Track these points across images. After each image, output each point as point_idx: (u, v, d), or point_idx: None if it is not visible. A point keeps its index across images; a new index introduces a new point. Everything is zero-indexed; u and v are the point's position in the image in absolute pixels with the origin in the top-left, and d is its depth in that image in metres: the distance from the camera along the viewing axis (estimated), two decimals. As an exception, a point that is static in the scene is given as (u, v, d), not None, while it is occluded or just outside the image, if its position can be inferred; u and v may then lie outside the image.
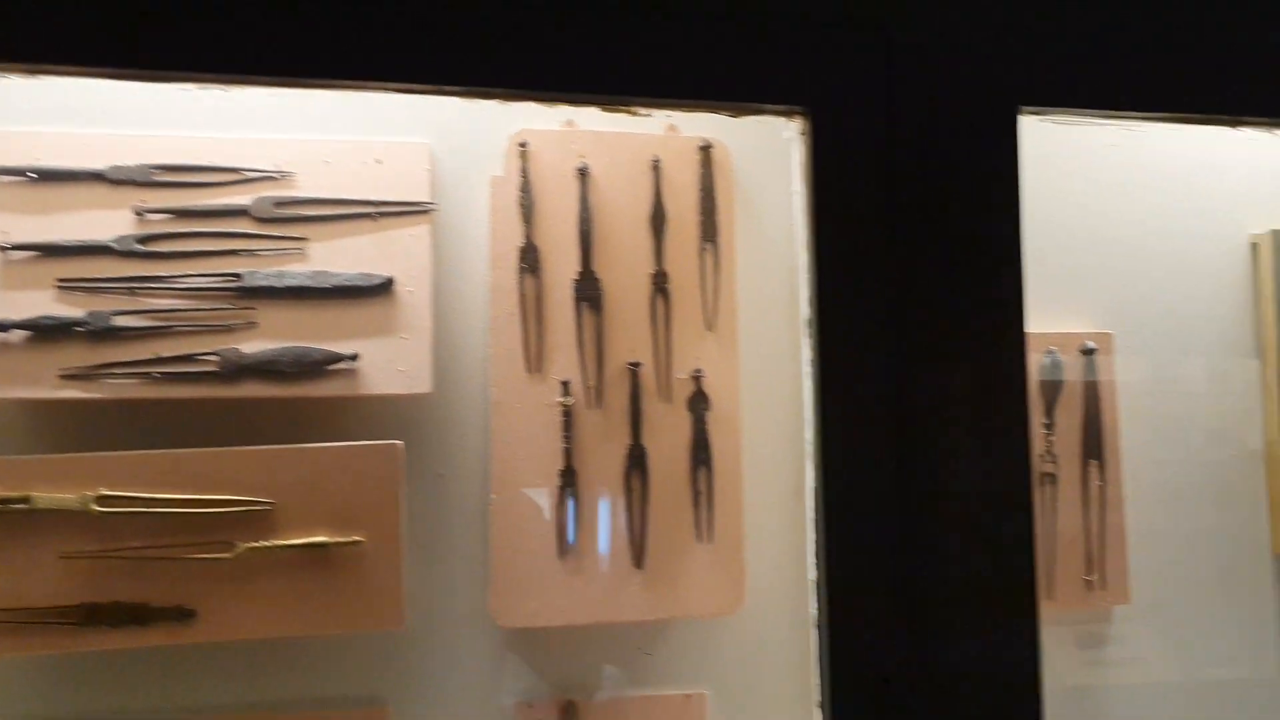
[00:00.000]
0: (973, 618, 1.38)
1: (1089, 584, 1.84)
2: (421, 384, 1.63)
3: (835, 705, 1.40)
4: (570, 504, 1.68)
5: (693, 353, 1.74)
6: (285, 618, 1.58)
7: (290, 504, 1.59)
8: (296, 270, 1.64)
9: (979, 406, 1.40)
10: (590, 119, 1.73)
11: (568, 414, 1.69)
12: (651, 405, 1.72)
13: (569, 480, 1.68)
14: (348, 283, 1.64)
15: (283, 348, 1.61)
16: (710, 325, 1.75)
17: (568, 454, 1.68)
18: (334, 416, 1.67)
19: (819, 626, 1.39)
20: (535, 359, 1.69)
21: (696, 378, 1.73)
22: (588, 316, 1.71)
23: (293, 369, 1.61)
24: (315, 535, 1.59)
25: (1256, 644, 1.94)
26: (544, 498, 1.67)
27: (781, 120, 1.29)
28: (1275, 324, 1.96)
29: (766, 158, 1.74)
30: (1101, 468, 1.86)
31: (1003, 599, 1.39)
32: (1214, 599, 1.94)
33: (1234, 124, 1.47)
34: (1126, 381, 1.91)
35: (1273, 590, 1.96)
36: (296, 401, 1.62)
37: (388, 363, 1.63)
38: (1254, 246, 1.99)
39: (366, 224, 1.67)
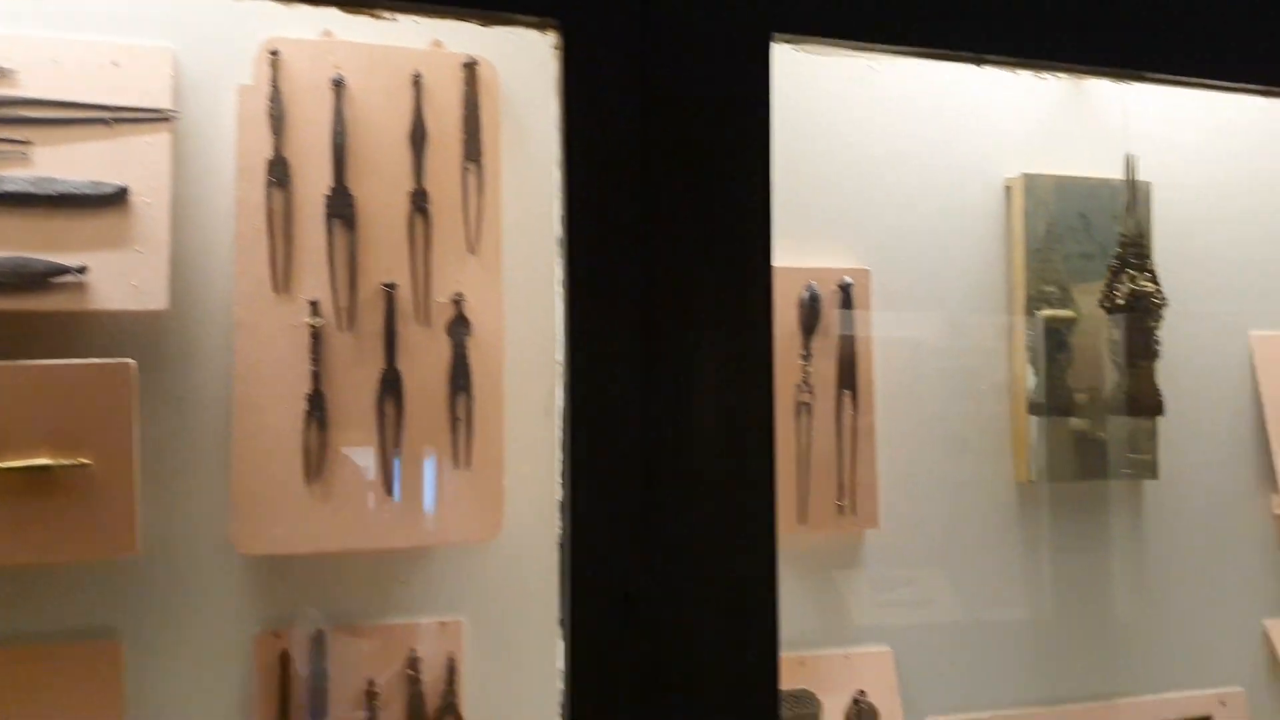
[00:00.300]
0: (714, 537, 1.40)
1: (840, 509, 1.91)
2: (156, 300, 1.55)
3: (576, 623, 1.40)
4: (319, 429, 1.62)
5: (453, 276, 1.71)
6: (6, 545, 1.49)
7: (10, 424, 1.49)
8: (17, 175, 1.52)
9: (725, 334, 1.41)
10: (349, 29, 1.66)
11: (317, 336, 1.63)
12: (408, 329, 1.68)
13: (318, 404, 1.63)
14: (75, 190, 1.54)
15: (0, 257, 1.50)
16: (473, 248, 1.72)
17: (316, 377, 1.63)
18: (62, 334, 1.56)
19: (561, 546, 1.39)
20: (283, 278, 1.62)
21: (457, 302, 1.70)
22: (340, 234, 1.65)
23: (11, 280, 1.50)
24: (38, 458, 1.50)
25: (999, 568, 2.05)
26: (290, 422, 1.61)
27: (539, 35, 1.26)
28: (1024, 267, 2.06)
29: (535, 78, 1.70)
30: (855, 398, 1.92)
31: (743, 520, 1.41)
32: (959, 525, 2.04)
33: (978, 62, 1.52)
34: (882, 317, 1.98)
35: (1015, 516, 2.07)
36: (17, 315, 1.51)
37: (120, 276, 1.54)
38: (1007, 190, 2.08)
39: (100, 130, 1.56)
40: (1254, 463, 2.23)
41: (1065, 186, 2.07)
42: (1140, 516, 2.15)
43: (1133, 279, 1.97)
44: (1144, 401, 2.00)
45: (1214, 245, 2.21)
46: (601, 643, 1.37)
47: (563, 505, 1.35)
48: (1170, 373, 2.14)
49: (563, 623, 1.39)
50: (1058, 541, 2.09)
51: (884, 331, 1.97)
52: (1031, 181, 2.06)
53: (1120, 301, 1.97)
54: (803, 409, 1.91)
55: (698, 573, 1.36)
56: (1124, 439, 2.09)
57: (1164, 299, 2.01)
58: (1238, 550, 2.22)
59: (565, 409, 1.32)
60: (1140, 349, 1.99)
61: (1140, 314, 1.98)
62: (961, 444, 2.05)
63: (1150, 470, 2.12)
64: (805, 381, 1.90)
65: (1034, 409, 2.05)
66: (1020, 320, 2.05)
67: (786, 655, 1.89)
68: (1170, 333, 2.12)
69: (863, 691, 1.92)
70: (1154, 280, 2.00)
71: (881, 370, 1.97)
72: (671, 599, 1.34)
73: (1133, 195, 2.01)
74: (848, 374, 1.92)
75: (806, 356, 1.90)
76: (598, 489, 1.34)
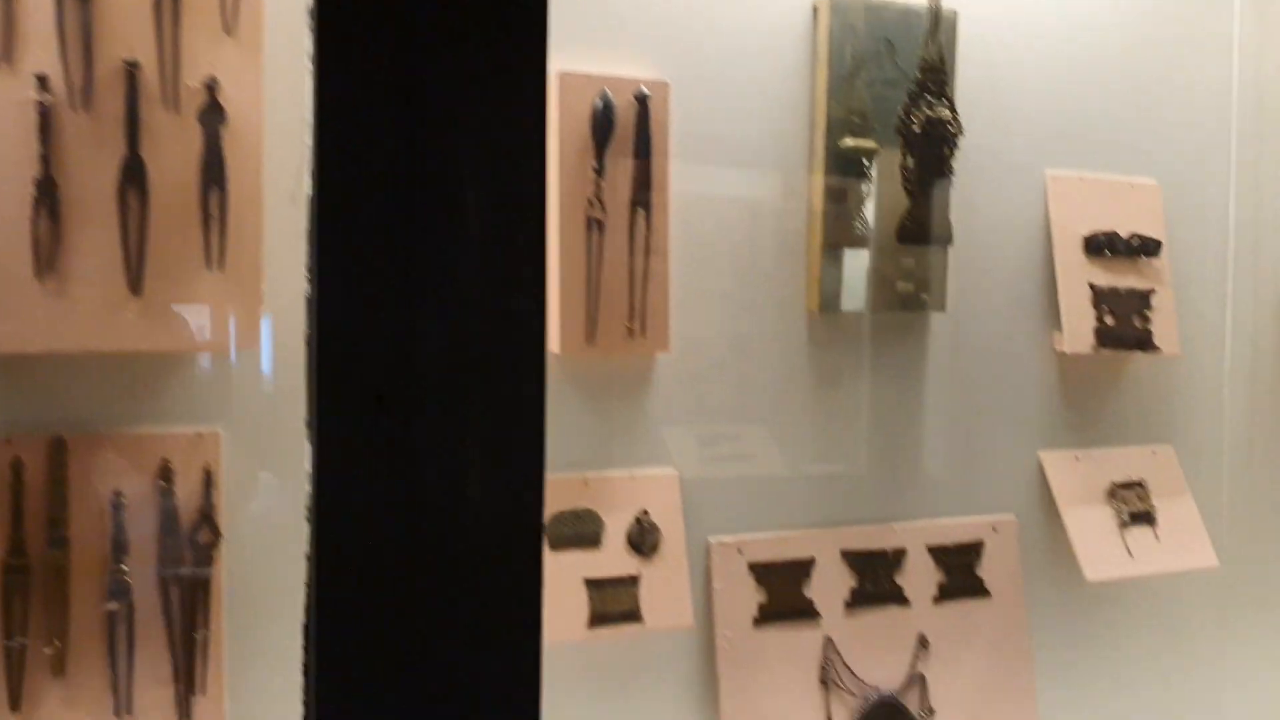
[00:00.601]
0: (475, 344, 1.32)
1: (630, 331, 1.87)
2: None
3: (324, 424, 1.32)
4: (50, 219, 1.48)
5: (206, 58, 1.56)
6: None
7: None
8: None
9: (492, 125, 1.31)
10: None
11: (46, 115, 1.47)
12: (154, 114, 1.53)
13: (47, 191, 1.48)
14: None
15: None
16: (229, 28, 1.57)
17: (46, 161, 1.47)
18: None
19: (308, 342, 1.29)
20: (3, 46, 1.45)
21: (210, 87, 1.56)
22: (72, 2, 1.48)
23: None
24: None
25: (787, 395, 2.06)
26: (17, 209, 1.46)
27: None
28: (827, 93, 2.02)
29: None
30: (649, 218, 1.87)
31: (509, 329, 1.33)
32: (749, 352, 2.03)
33: None
34: (681, 134, 1.91)
35: (805, 345, 2.07)
36: None
37: None
38: (814, 10, 2.02)
39: None
40: (1041, 300, 2.29)
41: (874, 10, 2.03)
42: (927, 348, 2.19)
43: (930, 106, 1.95)
44: (934, 230, 2.01)
45: (1016, 81, 2.22)
46: (351, 447, 1.30)
47: (309, 300, 1.26)
48: (964, 206, 2.16)
49: (309, 424, 1.32)
50: (845, 371, 2.11)
51: (682, 149, 1.91)
52: (839, 3, 2.00)
53: (916, 128, 1.95)
54: (593, 225, 1.84)
55: (456, 380, 1.30)
56: (915, 271, 2.10)
57: (960, 128, 2.01)
58: (1020, 384, 2.29)
59: (313, 198, 1.23)
60: (932, 177, 1.98)
61: (935, 142, 1.97)
62: (755, 270, 2.03)
63: (939, 303, 2.14)
64: (597, 197, 1.83)
65: (829, 238, 2.04)
66: (821, 147, 2.02)
67: (570, 475, 1.87)
68: (966, 165, 2.12)
69: (646, 511, 1.92)
70: (952, 109, 1.98)
71: (678, 190, 1.92)
72: (427, 405, 1.28)
73: (935, 20, 1.98)
74: (642, 192, 1.86)
75: (599, 171, 1.83)
76: (346, 283, 1.26)
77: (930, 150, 1.98)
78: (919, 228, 2.00)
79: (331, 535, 1.41)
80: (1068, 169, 2.31)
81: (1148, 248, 2.33)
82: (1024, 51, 2.22)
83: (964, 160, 2.12)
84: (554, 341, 1.84)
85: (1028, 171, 2.26)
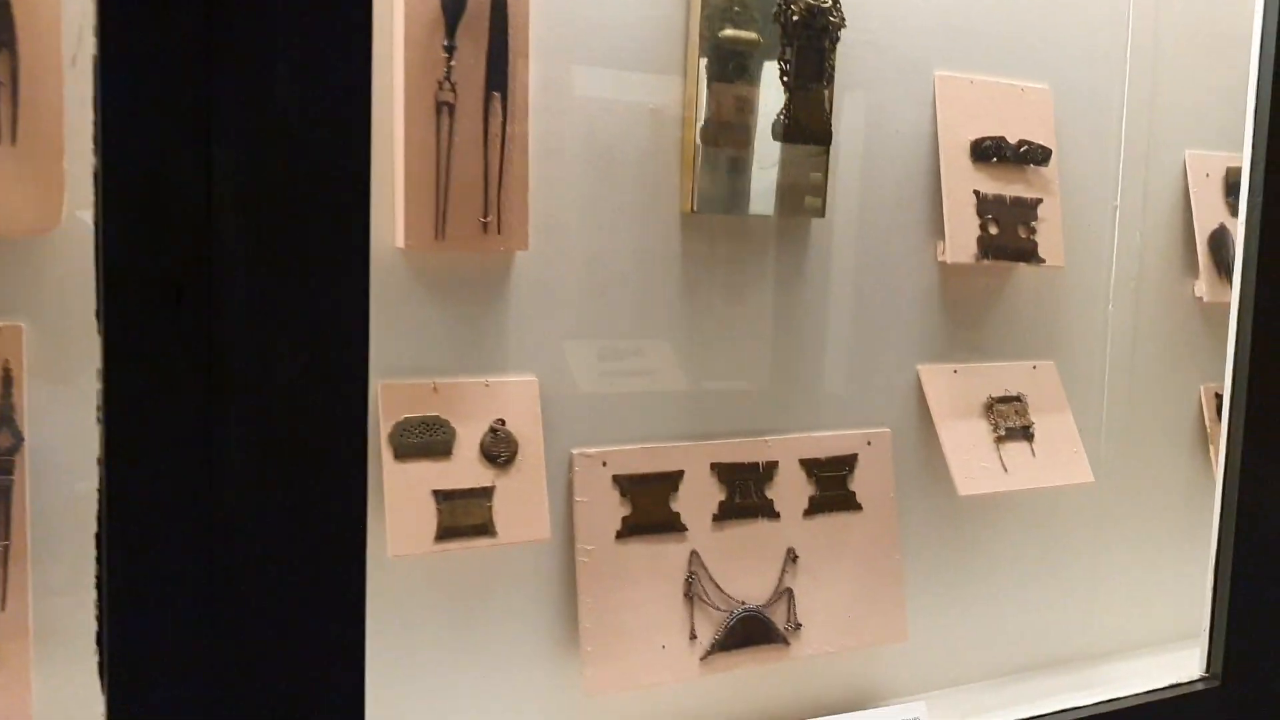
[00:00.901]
0: (285, 232, 1.18)
1: (485, 226, 1.74)
2: None
3: (113, 318, 1.18)
4: None
5: (-12, -100, 1.37)
6: None
7: None
8: None
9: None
10: None
11: None
12: (-75, -39, 1.34)
13: None
14: None
15: None
16: None
17: None
18: None
19: (96, 225, 1.16)
20: None
21: (-7, -67, 1.37)
22: None
23: None
24: None
25: (656, 301, 1.96)
26: None
27: None
28: (708, -25, 1.88)
29: None
30: (506, 103, 1.73)
31: (328, 219, 1.19)
32: (616, 253, 1.92)
33: None
34: (543, 10, 1.77)
35: (677, 249, 1.97)
36: None
37: None
38: (693, -114, 1.87)
39: None
40: (925, 208, 2.21)
41: (756, -112, 1.89)
42: (805, 256, 2.10)
43: (811, -7, 1.83)
44: (811, 128, 1.90)
45: (906, -26, 2.10)
46: (145, 344, 1.16)
47: (97, 176, 1.11)
48: (848, 106, 2.06)
49: (99, 315, 1.18)
50: (720, 277, 2.02)
51: (544, 29, 1.77)
52: (719, -123, 1.86)
53: (795, 17, 1.84)
54: (444, 109, 1.70)
55: (264, 275, 1.16)
56: (793, 173, 2.00)
57: (842, 19, 1.90)
58: (901, 295, 2.22)
59: (98, 61, 1.07)
60: (811, 71, 1.87)
61: (815, 33, 1.86)
62: (624, 167, 1.91)
63: (818, 208, 2.05)
64: (448, 79, 1.69)
65: (706, 135, 1.92)
66: (698, 37, 1.89)
67: (418, 381, 1.75)
68: (851, 63, 2.02)
69: (502, 420, 1.81)
70: (834, -2, 1.87)
71: (540, 74, 1.78)
72: (229, 298, 1.14)
73: (821, -100, 1.85)
74: (499, 74, 1.72)
75: (450, 49, 1.68)
76: (139, 160, 1.11)
77: (810, 42, 1.87)
78: (796, 125, 1.90)
79: (123, 439, 1.27)
80: (957, 70, 2.21)
81: (1037, 155, 2.26)
82: (916, -58, 2.11)
83: (849, 57, 2.01)
84: (399, 235, 1.71)
85: (916, 72, 2.16)
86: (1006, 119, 2.25)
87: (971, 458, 2.22)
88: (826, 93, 1.93)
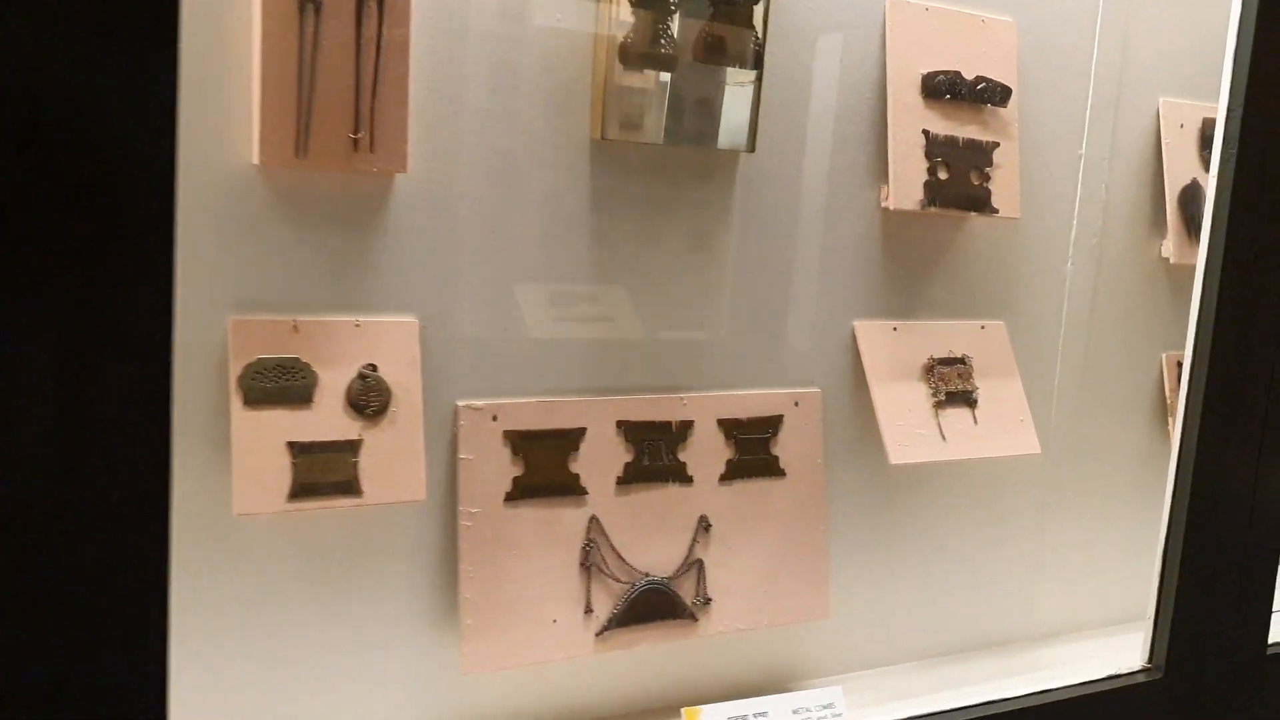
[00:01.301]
0: (71, 138, 0.97)
1: (355, 143, 1.52)
2: None
3: None
4: None
5: None
6: None
7: None
8: None
9: None
10: None
11: None
12: None
13: None
14: None
15: None
16: None
17: None
18: None
19: None
20: None
21: None
22: None
23: None
24: None
25: (561, 239, 1.75)
26: None
27: None
28: None
29: None
30: (382, 2, 1.50)
31: (126, 127, 0.98)
32: (516, 182, 1.70)
33: None
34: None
35: (586, 181, 1.75)
36: None
37: None
38: None
39: None
40: (869, 148, 2.00)
41: None
42: (732, 194, 1.89)
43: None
44: (736, 49, 1.69)
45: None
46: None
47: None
48: (786, 31, 1.84)
49: None
50: (635, 215, 1.80)
51: (429, -79, 1.54)
52: None
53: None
54: (309, 7, 1.47)
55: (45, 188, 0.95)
56: (719, 101, 1.78)
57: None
58: (839, 243, 2.02)
59: None
60: (737, -15, 1.65)
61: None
62: (528, 86, 1.69)
63: (747, 141, 1.83)
64: (312, -30, 1.46)
65: (625, 56, 1.70)
66: (615, -61, 1.66)
67: (275, 318, 1.53)
68: (788, -23, 1.80)
69: (373, 365, 1.60)
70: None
71: (424, -27, 1.55)
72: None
73: None
74: (372, -32, 1.49)
75: (314, -65, 1.45)
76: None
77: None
78: (719, 46, 1.68)
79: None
80: (912, -4, 1.99)
81: (995, 94, 2.05)
82: None
83: (786, -30, 1.79)
84: (254, 150, 1.49)
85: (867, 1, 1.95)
86: (964, 53, 2.04)
87: (907, 423, 2.03)
88: (758, 9, 1.70)
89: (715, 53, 1.68)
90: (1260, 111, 1.86)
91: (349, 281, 1.60)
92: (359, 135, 1.53)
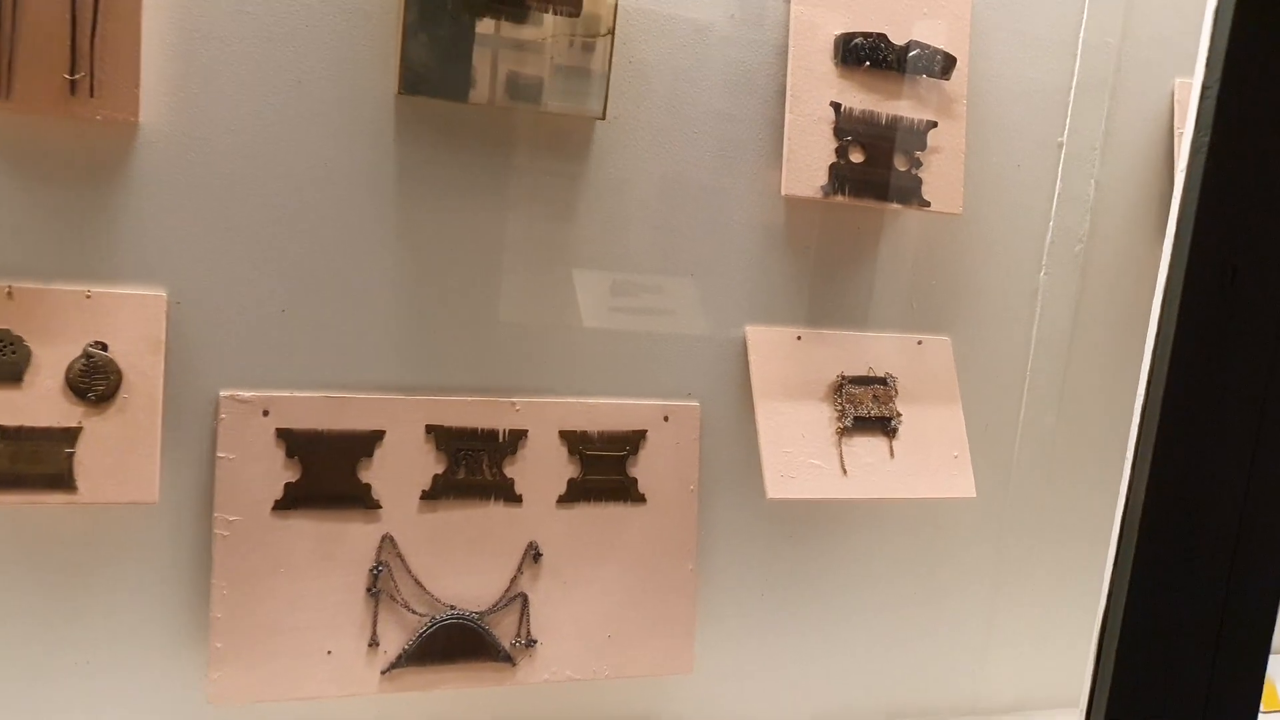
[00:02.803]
0: None
1: (72, 86, 1.31)
2: None
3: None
4: None
5: None
6: None
7: None
8: None
9: None
10: None
11: None
12: None
13: None
14: None
15: None
16: None
17: None
18: None
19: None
20: None
21: None
22: None
23: None
24: None
25: (362, 205, 1.50)
26: None
27: None
28: None
29: None
30: (100, -80, 1.28)
31: None
32: (302, 140, 1.46)
33: None
34: None
35: (391, 142, 1.50)
36: None
37: None
38: None
39: None
40: (767, 123, 1.68)
41: None
42: (584, 167, 1.60)
43: None
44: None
45: None
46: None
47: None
48: (637, -31, 1.55)
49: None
50: (454, 182, 1.54)
51: None
52: None
53: None
54: (10, -77, 1.26)
55: None
56: (561, 55, 1.50)
57: None
58: (727, 233, 1.70)
59: None
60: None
61: None
62: (313, 26, 1.44)
63: (594, 107, 1.55)
64: (10, -122, 1.25)
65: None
66: None
67: (-20, 282, 1.34)
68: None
69: (102, 344, 1.39)
70: None
71: (164, -111, 1.33)
72: None
73: None
74: (88, -121, 1.27)
75: None
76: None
77: None
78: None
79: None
80: (828, -59, 1.66)
81: (934, 64, 1.70)
82: None
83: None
84: (-59, 88, 1.29)
85: (755, -66, 1.63)
86: (897, 12, 1.70)
87: (797, 451, 1.71)
88: (573, -60, 1.42)
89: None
90: (1241, 87, 1.46)
91: (80, 245, 1.40)
92: (76, 76, 1.31)
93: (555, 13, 1.44)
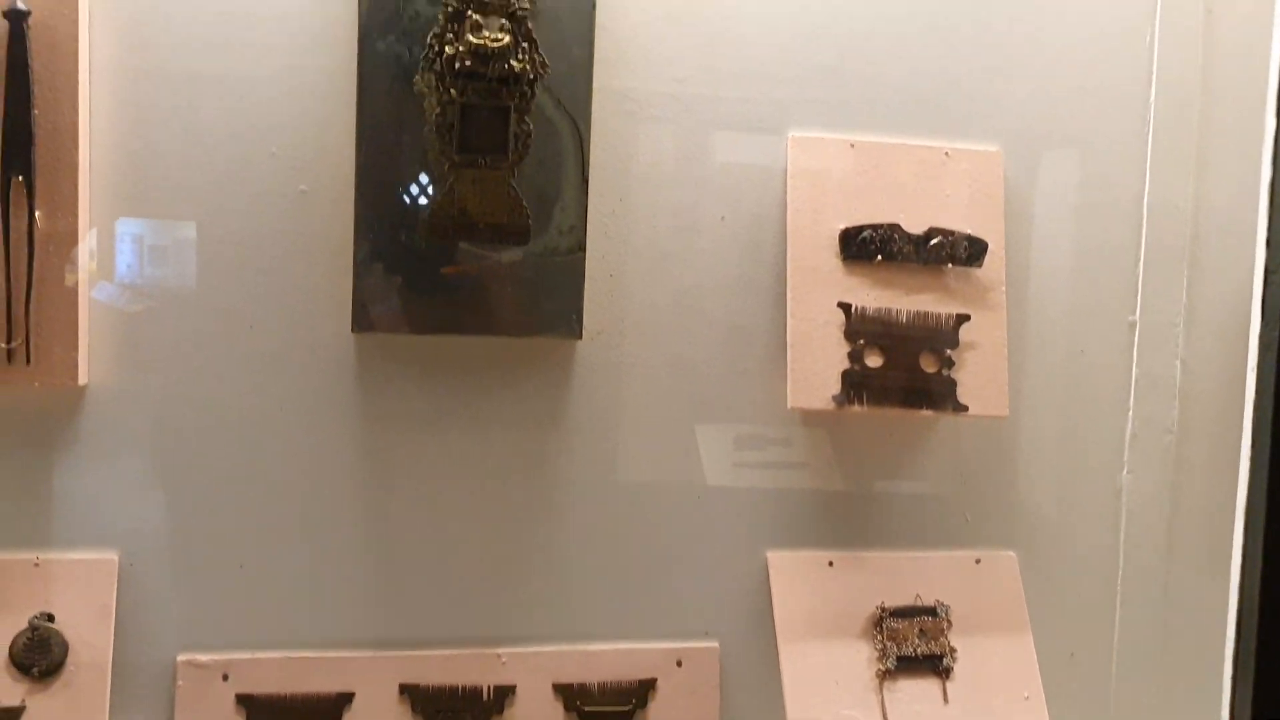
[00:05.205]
0: None
1: (9, 354, 1.29)
2: None
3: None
4: None
5: None
6: None
7: None
8: None
9: None
10: None
11: None
12: None
13: None
14: None
15: None
16: None
17: None
18: None
19: None
20: None
21: None
22: None
23: None
24: None
25: (317, 454, 1.42)
26: None
27: None
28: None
29: None
30: (31, 189, 1.28)
31: None
32: (260, 386, 1.40)
33: None
34: (107, 57, 1.31)
35: (353, 381, 1.42)
36: None
37: None
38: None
39: None
40: (775, 325, 1.53)
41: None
42: (568, 388, 1.48)
43: (477, 27, 1.25)
44: (488, 220, 1.31)
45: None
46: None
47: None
48: (644, 181, 1.45)
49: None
50: (419, 420, 1.45)
51: (112, 81, 1.32)
52: None
53: (459, 64, 1.26)
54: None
55: None
56: (526, 273, 1.41)
57: (542, 63, 1.30)
58: (745, 448, 1.54)
59: None
60: (485, 140, 1.28)
61: (490, 86, 1.27)
62: (264, 271, 1.39)
63: (568, 322, 1.43)
64: (-58, 158, 1.26)
65: (375, 221, 1.37)
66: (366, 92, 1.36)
67: (-77, 556, 1.30)
68: (647, 119, 1.42)
69: (48, 615, 1.33)
70: (519, 31, 1.27)
71: (105, 145, 1.32)
72: None
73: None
74: (20, 149, 1.27)
75: (-59, 120, 1.25)
76: None
77: (484, 98, 1.28)
78: (462, 218, 1.31)
79: None
80: (830, 127, 1.53)
81: (959, 251, 1.52)
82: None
83: (643, 114, 1.41)
84: (-121, 366, 1.29)
85: (761, 131, 1.51)
86: (911, 198, 1.53)
87: (827, 700, 1.49)
88: (504, 173, 1.32)
89: (446, 225, 1.31)
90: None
91: (27, 511, 1.36)
92: (13, 344, 1.29)
93: (504, 242, 1.33)
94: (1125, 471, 1.66)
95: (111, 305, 1.34)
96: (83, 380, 1.33)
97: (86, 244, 1.32)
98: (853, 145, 1.53)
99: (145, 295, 1.36)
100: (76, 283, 1.31)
